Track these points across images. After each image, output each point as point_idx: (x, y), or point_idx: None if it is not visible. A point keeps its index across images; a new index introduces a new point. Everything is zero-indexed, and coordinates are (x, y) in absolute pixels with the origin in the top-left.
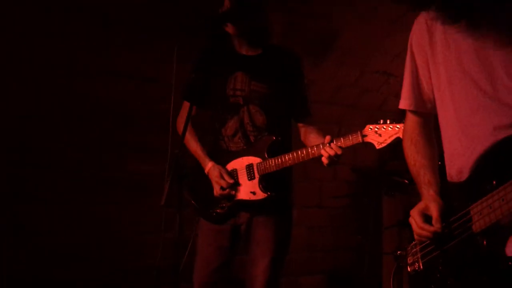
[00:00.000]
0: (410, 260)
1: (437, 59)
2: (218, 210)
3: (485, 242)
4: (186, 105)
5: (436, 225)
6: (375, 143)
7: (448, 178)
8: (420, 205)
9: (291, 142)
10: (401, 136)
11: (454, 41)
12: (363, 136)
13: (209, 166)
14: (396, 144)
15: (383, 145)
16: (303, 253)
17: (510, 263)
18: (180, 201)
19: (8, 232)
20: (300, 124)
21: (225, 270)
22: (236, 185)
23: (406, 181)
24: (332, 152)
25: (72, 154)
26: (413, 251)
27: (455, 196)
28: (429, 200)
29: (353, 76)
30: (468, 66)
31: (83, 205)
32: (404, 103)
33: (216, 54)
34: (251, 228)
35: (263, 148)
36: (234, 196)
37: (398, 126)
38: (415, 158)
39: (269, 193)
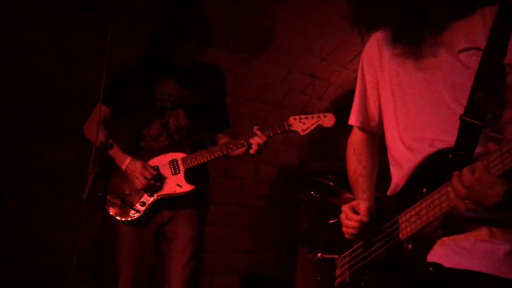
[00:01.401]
0: (338, 272)
1: (385, 76)
2: (137, 208)
3: (410, 247)
4: (102, 108)
5: (363, 216)
6: (300, 131)
7: (389, 192)
8: (352, 203)
9: (206, 147)
10: (322, 124)
11: (399, 59)
12: (289, 125)
13: (128, 161)
14: (315, 146)
15: (307, 131)
16: (219, 252)
17: (430, 268)
18: (104, 195)
19: None
20: (218, 135)
21: (151, 273)
22: (158, 180)
23: (331, 183)
24: (260, 141)
25: None
26: (341, 263)
27: (388, 208)
28: (360, 200)
29: (281, 75)
30: (410, 83)
31: None
32: (352, 119)
33: (144, 58)
34: (173, 224)
35: (187, 145)
36: (157, 190)
37: (319, 115)
38: (356, 167)
39: (193, 186)
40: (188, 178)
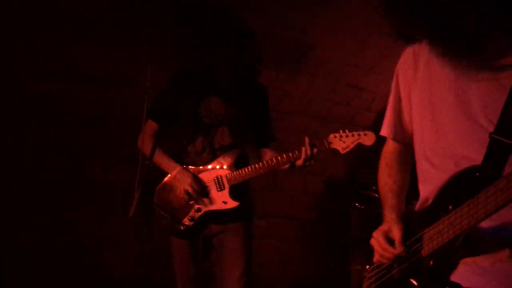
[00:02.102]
0: (365, 285)
1: (417, 88)
2: (186, 223)
3: (431, 263)
4: (150, 123)
5: (399, 248)
6: (340, 149)
7: (416, 207)
8: (383, 227)
9: (249, 163)
10: (362, 142)
11: (434, 73)
12: (329, 143)
13: (177, 169)
14: (364, 152)
15: (347, 150)
16: (271, 265)
17: (446, 287)
18: (149, 213)
19: None
20: (264, 150)
21: (205, 284)
22: (205, 194)
23: (376, 195)
24: (304, 155)
25: (38, 159)
26: (368, 275)
27: (416, 224)
28: (392, 223)
29: (326, 88)
30: (442, 97)
31: (49, 212)
32: (384, 131)
33: (190, 74)
34: (223, 237)
35: (231, 161)
36: (204, 205)
37: (359, 133)
38: (387, 181)
39: (238, 201)
40: (233, 195)
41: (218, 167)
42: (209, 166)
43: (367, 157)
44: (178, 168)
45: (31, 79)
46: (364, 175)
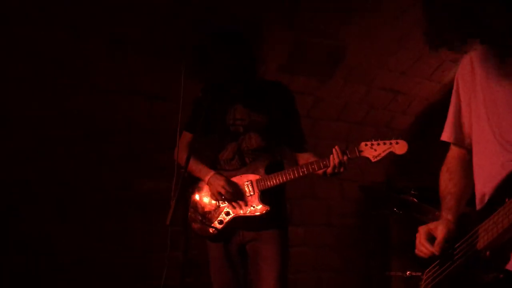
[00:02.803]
0: (422, 286)
1: (477, 90)
2: (215, 226)
3: (488, 254)
4: (185, 134)
5: (436, 248)
6: (371, 157)
7: (476, 207)
8: (431, 225)
9: (283, 167)
10: (394, 151)
11: (492, 74)
12: (360, 151)
13: (211, 174)
14: (403, 161)
15: (378, 158)
16: (310, 273)
17: (500, 275)
18: (185, 220)
19: (11, 248)
20: (298, 153)
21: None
22: (238, 197)
23: (416, 200)
24: (337, 160)
25: (78, 171)
26: (425, 277)
27: (474, 222)
28: (442, 223)
29: (360, 93)
30: (503, 96)
31: (89, 223)
32: (445, 135)
33: (216, 89)
34: (256, 245)
35: (261, 166)
36: (234, 208)
37: (391, 142)
38: (447, 184)
39: (268, 207)
40: (263, 200)
41: (249, 171)
42: (240, 171)
43: (404, 165)
44: (211, 172)
45: (71, 95)
46: (401, 182)
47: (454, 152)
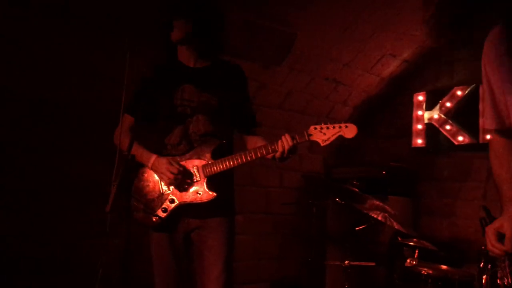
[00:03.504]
0: (499, 274)
1: (506, 75)
2: (159, 214)
3: None
4: (126, 117)
5: (508, 245)
6: (320, 141)
7: None
8: (496, 223)
9: (232, 151)
10: (343, 135)
11: None
12: (309, 135)
13: (154, 157)
14: (341, 151)
15: (327, 142)
16: (249, 261)
17: None
18: (127, 207)
19: None
20: (247, 136)
21: (184, 279)
22: (180, 187)
23: (357, 190)
24: (286, 146)
25: (13, 154)
26: (502, 265)
27: None
28: (505, 219)
29: (303, 82)
30: None
31: (25, 208)
32: (486, 123)
33: (164, 67)
34: (202, 233)
35: (208, 151)
36: (179, 197)
37: (340, 125)
38: (499, 172)
39: (215, 193)
40: (209, 186)
41: (194, 157)
42: (186, 156)
43: (343, 155)
44: (153, 157)
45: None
46: (340, 172)
47: (497, 138)
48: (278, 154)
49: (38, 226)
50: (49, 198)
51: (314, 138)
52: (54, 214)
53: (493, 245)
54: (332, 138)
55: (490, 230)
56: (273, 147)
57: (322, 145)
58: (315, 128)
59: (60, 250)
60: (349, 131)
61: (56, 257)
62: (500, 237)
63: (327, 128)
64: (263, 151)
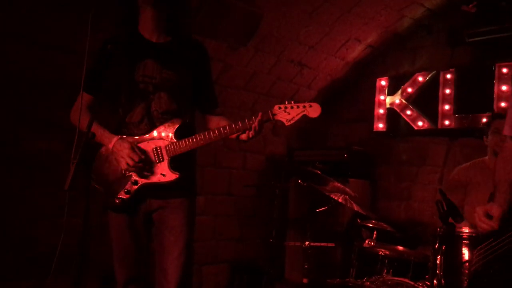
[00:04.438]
0: (473, 261)
1: None
2: (122, 196)
3: None
4: (84, 96)
5: (494, 223)
6: (284, 120)
7: None
8: (487, 205)
9: (195, 131)
10: (307, 114)
11: None
12: (273, 114)
13: (115, 139)
14: (304, 135)
15: (292, 122)
16: (208, 242)
17: None
18: (87, 185)
19: None
20: (209, 116)
21: (144, 261)
22: (146, 164)
23: (319, 172)
24: (252, 125)
25: None
26: (477, 253)
27: None
28: (495, 205)
29: (269, 64)
30: None
31: None
32: (506, 130)
33: (123, 41)
34: (163, 213)
35: (170, 130)
36: (142, 177)
37: (304, 105)
38: (501, 172)
39: (178, 174)
40: (173, 167)
41: (157, 136)
42: (147, 136)
43: (306, 139)
44: (115, 138)
45: None
46: (303, 154)
47: (510, 145)
48: (243, 135)
49: None
50: (6, 175)
51: (278, 117)
52: (12, 192)
53: (482, 221)
54: (297, 118)
55: (481, 210)
56: (238, 126)
57: (286, 124)
58: (279, 108)
59: (18, 229)
60: (313, 110)
61: (14, 237)
62: (488, 217)
63: (291, 107)
64: (227, 130)
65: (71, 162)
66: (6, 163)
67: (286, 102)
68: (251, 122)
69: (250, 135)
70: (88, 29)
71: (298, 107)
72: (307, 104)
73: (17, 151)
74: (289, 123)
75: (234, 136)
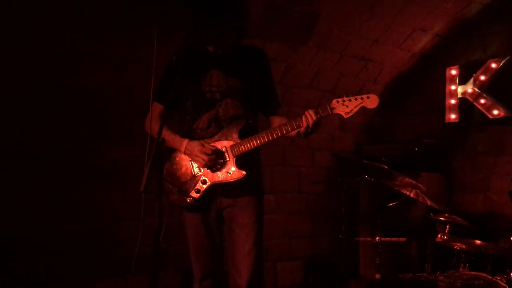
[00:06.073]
0: None
1: None
2: (193, 195)
3: None
4: (155, 105)
5: None
6: (343, 114)
7: None
8: None
9: (258, 132)
10: (365, 105)
11: None
12: (332, 108)
13: (186, 141)
14: (372, 130)
15: (350, 114)
16: (281, 239)
17: None
18: (159, 187)
19: None
20: (273, 117)
21: (219, 256)
22: (219, 157)
23: (386, 167)
24: (311, 121)
25: (49, 141)
26: None
27: None
28: None
29: (332, 61)
30: None
31: (62, 192)
32: None
33: (190, 54)
34: (233, 211)
35: (235, 131)
36: (210, 178)
37: (362, 97)
38: None
39: (244, 172)
40: (238, 165)
41: (223, 137)
42: (215, 137)
43: (375, 134)
44: (185, 141)
45: (32, 56)
46: (371, 150)
47: None
48: (302, 130)
49: (76, 210)
50: (86, 183)
51: (336, 111)
52: (91, 198)
53: None
54: (355, 110)
55: None
56: (297, 123)
57: (345, 117)
58: (337, 102)
59: (98, 231)
60: (371, 101)
61: (95, 239)
62: None
63: (349, 100)
64: (288, 127)
65: (144, 166)
66: (90, 171)
67: (344, 96)
68: (310, 117)
69: (310, 130)
70: (154, 43)
71: (356, 99)
72: (364, 96)
73: (99, 160)
74: (347, 116)
75: (294, 133)
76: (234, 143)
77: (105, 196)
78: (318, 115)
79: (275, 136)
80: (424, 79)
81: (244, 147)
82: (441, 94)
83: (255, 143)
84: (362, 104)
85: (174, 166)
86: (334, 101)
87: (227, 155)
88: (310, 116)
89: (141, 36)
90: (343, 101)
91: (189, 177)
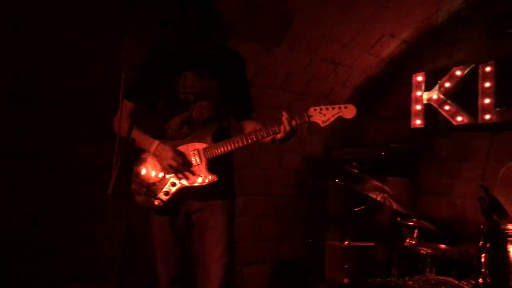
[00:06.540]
0: None
1: None
2: (161, 197)
3: None
4: (126, 103)
5: None
6: (320, 122)
7: None
8: None
9: (230, 135)
10: (342, 115)
11: None
12: (309, 116)
13: (156, 143)
14: (341, 133)
15: (327, 123)
16: (248, 242)
17: None
18: (129, 189)
19: None
20: (246, 122)
21: (186, 261)
22: (186, 165)
23: (356, 171)
24: (288, 128)
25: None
26: None
27: None
28: None
29: (303, 63)
30: None
31: (26, 192)
32: None
33: (164, 53)
34: (203, 215)
35: (208, 134)
36: (180, 181)
37: (339, 106)
38: None
39: (216, 175)
40: (210, 169)
41: (195, 140)
42: (187, 140)
43: (343, 137)
44: (156, 142)
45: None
46: (340, 153)
47: None
48: (279, 136)
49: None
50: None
51: (314, 119)
52: (60, 198)
53: None
54: (332, 119)
55: None
56: (273, 129)
57: (322, 126)
58: (315, 110)
59: (63, 233)
60: (349, 111)
61: (60, 241)
62: None
63: (327, 109)
64: (263, 133)
65: (112, 168)
66: (60, 171)
67: (322, 105)
68: (287, 124)
69: (286, 137)
70: (125, 43)
71: (333, 108)
72: (342, 106)
73: (67, 160)
74: (324, 124)
75: (269, 138)
76: (207, 146)
77: (72, 197)
78: (294, 122)
79: (250, 141)
80: (392, 85)
81: (218, 151)
82: (408, 99)
83: (229, 147)
84: (339, 114)
85: (142, 166)
86: (312, 109)
87: (198, 158)
88: (287, 123)
89: (112, 35)
90: (321, 109)
91: (158, 179)
